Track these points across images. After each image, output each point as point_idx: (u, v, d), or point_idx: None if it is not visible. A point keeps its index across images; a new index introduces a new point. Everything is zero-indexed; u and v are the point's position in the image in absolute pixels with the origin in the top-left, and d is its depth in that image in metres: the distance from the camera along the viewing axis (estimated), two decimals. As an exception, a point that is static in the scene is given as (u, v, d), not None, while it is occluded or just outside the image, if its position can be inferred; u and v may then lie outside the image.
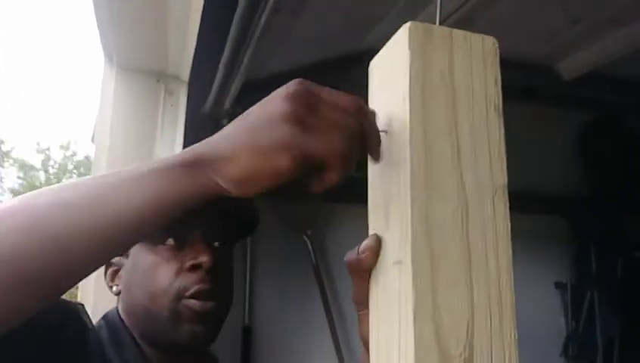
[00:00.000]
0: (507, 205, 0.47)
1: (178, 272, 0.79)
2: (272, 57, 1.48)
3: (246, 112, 0.48)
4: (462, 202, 0.46)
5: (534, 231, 2.64)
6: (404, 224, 0.45)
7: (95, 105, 1.55)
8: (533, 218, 2.63)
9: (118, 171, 0.48)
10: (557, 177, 2.64)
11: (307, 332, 2.28)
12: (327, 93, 0.46)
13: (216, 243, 0.83)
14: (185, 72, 1.51)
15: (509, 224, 0.47)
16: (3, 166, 12.47)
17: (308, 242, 2.29)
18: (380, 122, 0.52)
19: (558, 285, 2.61)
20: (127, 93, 1.56)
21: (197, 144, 0.48)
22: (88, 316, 0.77)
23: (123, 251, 0.47)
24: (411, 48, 0.48)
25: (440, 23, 0.53)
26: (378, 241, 0.50)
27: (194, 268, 0.79)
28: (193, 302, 0.77)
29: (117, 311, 0.83)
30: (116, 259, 0.85)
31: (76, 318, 0.74)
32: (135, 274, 0.81)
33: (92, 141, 1.58)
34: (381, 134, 0.52)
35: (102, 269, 0.86)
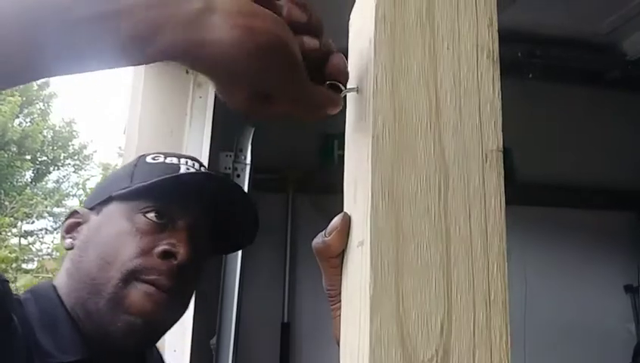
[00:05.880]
0: (502, 174, 0.38)
1: (146, 252, 0.67)
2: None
3: None
4: (440, 170, 0.37)
5: (600, 228, 2.42)
6: (366, 198, 0.37)
7: (127, 98, 1.55)
8: (599, 214, 2.41)
9: None
10: (626, 168, 2.40)
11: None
12: None
13: (201, 241, 0.72)
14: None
15: (503, 198, 0.37)
16: (85, 169, 13.05)
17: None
18: (352, 81, 0.44)
19: (628, 288, 2.39)
20: (157, 85, 1.54)
21: None
22: (11, 295, 0.63)
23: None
24: (378, -18, 0.39)
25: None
26: (346, 220, 0.42)
27: (166, 255, 0.67)
28: (147, 287, 0.65)
29: (52, 284, 0.71)
30: (83, 210, 0.74)
31: None
32: (98, 234, 0.70)
33: (124, 133, 1.58)
34: (352, 94, 0.43)
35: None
